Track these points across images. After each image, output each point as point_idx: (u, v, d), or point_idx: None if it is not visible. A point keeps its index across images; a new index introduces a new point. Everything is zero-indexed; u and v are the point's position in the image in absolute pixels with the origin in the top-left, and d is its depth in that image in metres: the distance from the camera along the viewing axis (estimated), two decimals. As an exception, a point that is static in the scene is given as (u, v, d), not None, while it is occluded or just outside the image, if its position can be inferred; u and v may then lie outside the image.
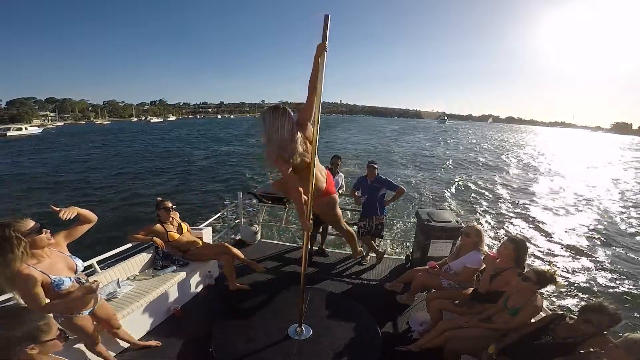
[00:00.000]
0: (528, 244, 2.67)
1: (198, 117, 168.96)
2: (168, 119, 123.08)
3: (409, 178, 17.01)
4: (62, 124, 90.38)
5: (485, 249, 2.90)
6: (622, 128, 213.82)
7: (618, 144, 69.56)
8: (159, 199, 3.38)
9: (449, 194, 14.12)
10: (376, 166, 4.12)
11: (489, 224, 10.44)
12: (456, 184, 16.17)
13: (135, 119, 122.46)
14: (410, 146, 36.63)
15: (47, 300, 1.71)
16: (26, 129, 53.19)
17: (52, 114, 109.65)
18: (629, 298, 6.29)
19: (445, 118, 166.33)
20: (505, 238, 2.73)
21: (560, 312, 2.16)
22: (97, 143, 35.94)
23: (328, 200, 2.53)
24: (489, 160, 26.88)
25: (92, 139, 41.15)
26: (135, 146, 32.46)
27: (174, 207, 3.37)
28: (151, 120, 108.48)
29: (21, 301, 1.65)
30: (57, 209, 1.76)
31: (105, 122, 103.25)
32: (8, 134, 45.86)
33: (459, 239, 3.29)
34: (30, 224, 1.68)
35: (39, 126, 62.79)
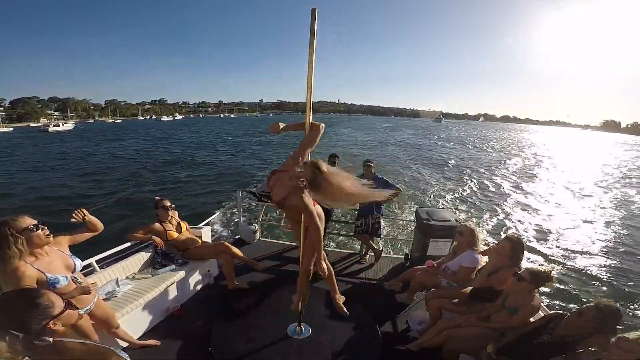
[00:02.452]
0: (527, 243, 2.65)
1: (201, 115, 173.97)
2: (176, 117, 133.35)
3: (406, 177, 16.93)
4: (73, 122, 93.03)
5: (481, 247, 2.88)
6: (611, 126, 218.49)
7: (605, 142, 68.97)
8: (158, 197, 3.39)
9: (446, 192, 14.04)
10: (372, 165, 4.07)
11: (487, 223, 10.36)
12: (455, 183, 16.07)
13: (142, 118, 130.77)
14: (402, 141, 38.51)
15: None
16: (63, 125, 63.68)
17: (56, 113, 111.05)
18: (632, 297, 6.22)
19: (441, 117, 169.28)
20: (502, 237, 2.71)
21: (560, 311, 2.14)
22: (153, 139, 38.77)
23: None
24: (466, 156, 27.86)
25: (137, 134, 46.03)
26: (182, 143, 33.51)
27: (172, 205, 3.38)
28: (162, 119, 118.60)
29: None
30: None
31: (117, 120, 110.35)
32: (49, 129, 54.47)
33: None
34: (27, 221, 1.69)
35: (71, 123, 71.27)
